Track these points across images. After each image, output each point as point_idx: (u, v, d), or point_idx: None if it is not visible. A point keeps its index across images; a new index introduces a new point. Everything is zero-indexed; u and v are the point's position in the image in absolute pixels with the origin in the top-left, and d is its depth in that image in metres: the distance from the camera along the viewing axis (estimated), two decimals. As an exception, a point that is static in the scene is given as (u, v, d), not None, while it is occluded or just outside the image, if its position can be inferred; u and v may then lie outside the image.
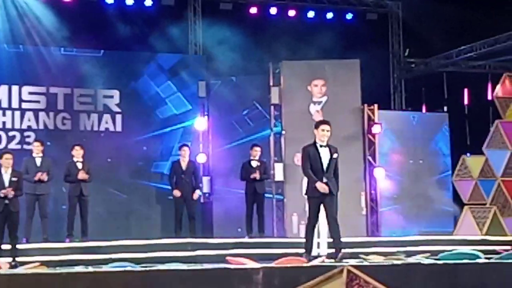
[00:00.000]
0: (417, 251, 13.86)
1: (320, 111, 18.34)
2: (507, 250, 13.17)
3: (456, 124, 21.05)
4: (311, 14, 21.49)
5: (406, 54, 23.00)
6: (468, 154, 19.19)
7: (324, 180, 11.13)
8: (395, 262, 8.62)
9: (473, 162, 18.53)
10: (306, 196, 11.50)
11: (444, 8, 20.27)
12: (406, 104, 22.57)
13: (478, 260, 9.75)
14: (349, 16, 21.86)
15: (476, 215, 17.83)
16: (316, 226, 14.18)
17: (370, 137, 18.63)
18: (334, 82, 18.35)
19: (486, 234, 17.24)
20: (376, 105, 18.79)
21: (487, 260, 9.87)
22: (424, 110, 22.07)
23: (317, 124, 11.40)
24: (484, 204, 18.11)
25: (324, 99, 18.41)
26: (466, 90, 22.61)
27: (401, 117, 20.49)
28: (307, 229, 11.48)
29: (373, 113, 18.68)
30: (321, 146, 11.22)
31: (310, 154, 11.22)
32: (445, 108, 21.92)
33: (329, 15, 21.64)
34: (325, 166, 11.18)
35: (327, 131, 11.22)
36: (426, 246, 14.72)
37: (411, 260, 10.13)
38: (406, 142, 19.87)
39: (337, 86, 18.30)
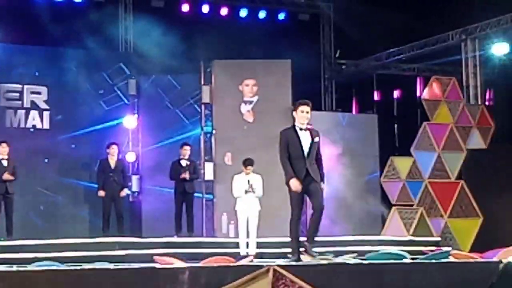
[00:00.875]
0: (345, 251, 13.96)
1: (251, 111, 18.36)
2: (432, 251, 13.35)
3: (385, 126, 21.28)
4: (243, 13, 21.47)
5: (337, 55, 23.16)
6: (397, 156, 19.43)
7: (306, 165, 10.13)
8: (321, 262, 8.65)
9: (401, 164, 18.75)
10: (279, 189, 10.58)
11: (375, 10, 20.46)
12: (337, 105, 22.72)
13: (404, 260, 9.83)
14: (281, 16, 21.92)
15: (404, 216, 18.05)
16: (246, 225, 14.27)
17: (300, 137, 18.65)
18: (265, 82, 18.38)
19: (413, 234, 17.46)
20: (306, 106, 18.82)
21: (412, 261, 9.97)
22: (354, 111, 22.26)
23: (296, 105, 10.30)
24: (412, 205, 18.34)
25: (255, 99, 18.43)
26: (395, 92, 22.89)
27: (331, 118, 20.60)
28: (292, 226, 10.57)
29: (303, 113, 18.70)
30: (301, 129, 10.18)
31: (289, 139, 10.17)
32: (375, 110, 22.15)
33: (262, 15, 21.66)
34: (306, 151, 10.17)
35: (307, 112, 10.15)
36: (354, 246, 14.83)
37: (337, 260, 10.18)
38: (336, 143, 19.97)
39: (268, 86, 18.33)
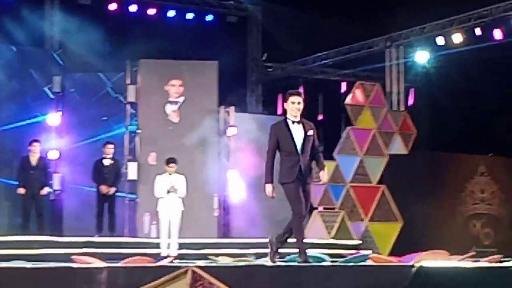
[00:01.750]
0: (267, 253, 14.04)
1: (176, 111, 18.32)
2: (352, 254, 13.54)
3: (309, 129, 21.41)
4: (171, 13, 21.44)
5: (264, 58, 23.29)
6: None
7: (300, 162, 9.26)
8: (240, 263, 8.71)
9: (325, 167, 18.91)
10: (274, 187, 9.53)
11: (303, 15, 20.66)
12: (263, 108, 22.83)
13: (323, 263, 9.96)
14: (209, 17, 21.95)
15: (325, 219, 18.25)
16: (167, 225, 14.25)
17: (225, 139, 18.74)
18: (191, 83, 18.35)
19: (334, 238, 17.67)
20: (232, 108, 18.92)
21: (330, 263, 10.11)
22: (280, 114, 22.37)
23: (286, 96, 9.53)
24: (333, 209, 18.55)
25: (181, 99, 18.39)
26: (320, 96, 23.11)
27: (257, 120, 20.62)
28: (295, 224, 9.56)
29: (229, 115, 18.80)
30: (293, 122, 9.37)
31: (279, 135, 9.36)
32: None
33: (190, 16, 21.66)
34: (299, 146, 9.32)
35: (298, 103, 9.36)
36: (275, 249, 14.88)
37: (256, 261, 10.25)
38: (261, 145, 19.96)
39: (194, 87, 18.31)
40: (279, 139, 9.39)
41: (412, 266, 7.11)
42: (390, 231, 18.64)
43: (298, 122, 9.42)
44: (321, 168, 9.75)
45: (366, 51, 21.43)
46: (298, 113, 9.41)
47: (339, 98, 22.34)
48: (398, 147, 19.52)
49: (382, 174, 19.10)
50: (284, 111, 9.64)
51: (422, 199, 18.67)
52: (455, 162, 19.60)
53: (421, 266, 6.91)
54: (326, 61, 22.26)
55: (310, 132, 9.46)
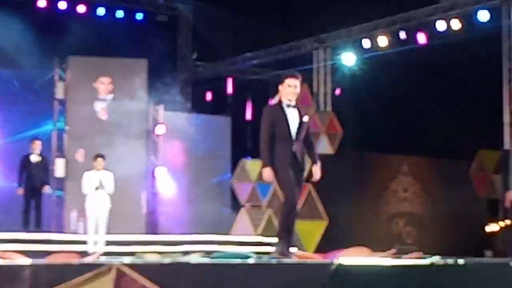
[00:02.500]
0: (194, 251, 14.18)
1: (105, 109, 18.31)
2: (277, 251, 13.72)
3: (238, 128, 21.64)
4: (101, 11, 21.38)
5: (194, 57, 23.37)
6: (248, 158, 19.79)
7: (293, 149, 8.76)
8: (166, 260, 8.83)
9: (252, 166, 19.14)
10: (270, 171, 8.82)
11: (233, 15, 20.81)
12: (192, 106, 22.91)
13: (248, 260, 10.12)
14: (139, 16, 21.94)
15: (252, 216, 18.46)
16: (95, 222, 14.27)
17: (154, 137, 18.79)
18: (120, 81, 18.36)
19: (261, 235, 17.86)
20: (161, 106, 18.98)
21: (257, 260, 10.28)
22: (208, 112, 22.50)
23: (282, 79, 8.87)
24: (260, 206, 18.76)
25: (109, 97, 18.39)
26: (249, 96, 23.29)
27: (186, 119, 20.76)
28: (284, 214, 8.98)
29: (158, 113, 18.85)
30: (288, 106, 8.75)
31: (275, 117, 8.74)
32: (229, 112, 22.48)
33: (119, 14, 21.63)
34: (293, 132, 8.77)
35: (295, 86, 8.73)
36: (203, 246, 15.08)
37: (181, 258, 10.37)
38: (189, 144, 20.16)
39: (123, 85, 18.32)
40: (274, 124, 8.74)
41: (331, 263, 7.31)
42: (315, 229, 18.93)
43: (294, 107, 8.81)
44: (315, 160, 9.33)
45: (295, 52, 21.69)
46: (295, 97, 8.78)
47: (267, 98, 22.54)
48: (325, 147, 19.81)
49: (309, 172, 19.34)
50: (278, 93, 8.92)
51: (348, 197, 19.02)
52: (379, 162, 20.03)
53: (340, 263, 7.10)
54: (255, 61, 22.45)
55: (306, 118, 8.93)
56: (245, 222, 18.39)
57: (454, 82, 21.21)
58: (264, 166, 8.86)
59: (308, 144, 9.11)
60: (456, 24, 18.74)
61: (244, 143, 22.24)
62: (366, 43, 20.26)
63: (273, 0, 21.80)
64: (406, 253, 11.85)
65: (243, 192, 19.10)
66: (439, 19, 18.94)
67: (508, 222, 16.26)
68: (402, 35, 19.51)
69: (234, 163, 20.04)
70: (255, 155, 19.59)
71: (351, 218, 19.13)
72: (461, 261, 7.52)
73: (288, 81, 8.71)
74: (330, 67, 21.45)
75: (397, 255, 11.73)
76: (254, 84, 23.23)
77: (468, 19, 18.72)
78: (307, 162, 9.33)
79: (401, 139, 21.49)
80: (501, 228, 20.10)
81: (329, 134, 19.92)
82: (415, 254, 11.23)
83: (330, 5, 21.04)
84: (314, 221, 18.98)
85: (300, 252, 13.19)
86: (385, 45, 19.92)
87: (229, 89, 23.11)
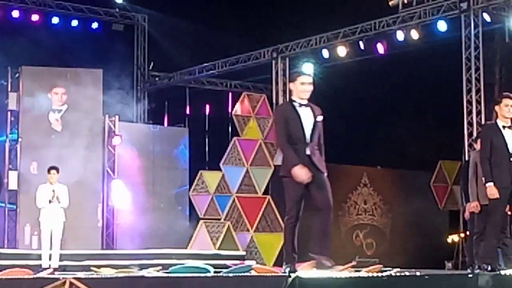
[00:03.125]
0: (151, 264, 13.90)
1: (59, 120, 17.96)
2: (236, 264, 13.51)
3: (196, 139, 21.42)
4: (55, 20, 21.04)
5: (151, 67, 23.13)
6: (207, 169, 19.58)
7: (307, 152, 8.12)
8: (120, 274, 8.56)
9: (210, 177, 18.92)
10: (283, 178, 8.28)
11: (190, 25, 20.61)
12: (148, 117, 22.65)
13: (207, 274, 9.88)
14: (94, 25, 21.64)
15: (211, 229, 18.21)
16: (49, 236, 13.88)
17: (110, 148, 18.49)
18: (75, 91, 18.04)
19: (219, 248, 17.63)
20: (117, 117, 18.70)
21: (215, 274, 10.03)
22: (165, 123, 22.25)
23: (294, 76, 8.33)
24: (219, 219, 18.53)
25: (64, 107, 18.06)
26: (207, 107, 23.09)
27: (143, 130, 20.50)
28: (287, 229, 8.57)
29: (114, 124, 18.56)
30: (300, 105, 8.16)
31: (289, 117, 8.12)
32: (186, 123, 22.24)
33: (74, 23, 21.31)
34: (308, 133, 8.13)
35: (309, 84, 8.18)
36: (160, 260, 14.80)
37: (137, 273, 10.10)
38: (146, 155, 19.89)
39: (78, 95, 18.01)
40: (287, 124, 8.12)
41: (288, 276, 7.12)
42: (275, 242, 18.71)
43: (306, 106, 8.21)
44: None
45: (253, 62, 21.53)
46: (307, 96, 8.19)
47: (225, 109, 22.38)
48: (284, 158, 19.63)
49: (267, 184, 19.20)
50: (289, 92, 8.39)
51: (307, 209, 18.82)
52: (339, 173, 19.86)
53: (296, 276, 6.92)
54: (213, 71, 22.26)
55: (320, 118, 8.28)
56: (204, 235, 18.13)
57: (414, 92, 21.20)
58: (292, 165, 8.06)
59: (319, 148, 8.40)
60: (415, 34, 18.71)
61: (203, 154, 22.01)
62: (325, 53, 20.16)
63: (232, 10, 21.64)
64: (366, 265, 11.69)
65: (202, 204, 18.85)
66: (398, 29, 18.90)
67: (468, 233, 16.21)
68: (361, 45, 19.43)
69: (192, 175, 19.77)
70: (214, 166, 19.38)
71: (310, 231, 18.93)
72: (419, 273, 7.37)
73: (302, 79, 8.18)
74: (289, 77, 21.28)
75: (357, 267, 11.57)
76: (213, 95, 23.03)
77: (427, 29, 18.70)
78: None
79: (361, 150, 21.41)
80: (461, 239, 20.07)
81: (289, 145, 19.71)
82: (375, 267, 11.08)
83: (289, 15, 20.94)
84: (274, 234, 18.80)
85: (258, 266, 12.98)
86: (344, 55, 19.83)
87: (187, 99, 22.87)
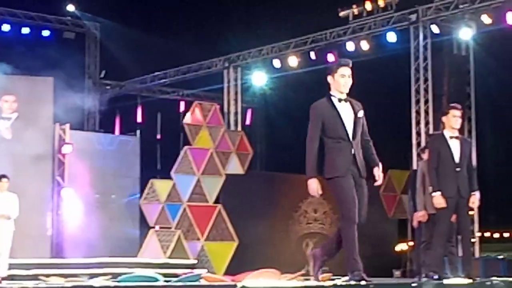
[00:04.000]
0: (100, 274, 13.85)
1: (9, 128, 17.78)
2: (186, 273, 13.53)
3: (148, 148, 21.36)
4: (6, 27, 20.88)
5: (102, 75, 23.03)
6: (158, 178, 19.52)
7: (352, 151, 7.50)
8: (69, 284, 8.55)
9: (161, 186, 18.86)
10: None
11: (142, 34, 20.60)
12: (100, 125, 22.55)
13: (156, 283, 9.90)
14: (45, 33, 21.51)
15: (161, 238, 18.15)
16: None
17: (60, 157, 18.34)
18: (25, 99, 17.87)
19: (170, 257, 17.59)
20: (68, 125, 18.56)
21: (165, 283, 10.06)
22: (117, 132, 22.17)
23: (333, 68, 7.61)
24: (170, 228, 18.48)
25: (14, 115, 17.87)
26: (159, 115, 23.06)
27: (93, 138, 20.37)
28: (345, 231, 7.75)
29: (64, 132, 18.43)
30: (339, 100, 7.56)
31: (325, 115, 7.50)
32: (138, 132, 22.18)
33: (25, 30, 21.16)
34: (350, 130, 7.51)
35: (349, 76, 7.57)
36: (110, 269, 14.73)
37: (89, 282, 10.07)
38: (97, 164, 19.74)
39: (28, 103, 17.84)
40: (324, 122, 7.48)
41: (235, 285, 7.15)
42: (225, 250, 18.75)
43: (345, 100, 7.60)
44: (375, 163, 7.84)
45: (205, 71, 21.59)
46: (347, 89, 7.60)
47: (177, 117, 22.38)
48: (235, 167, 19.71)
49: (218, 193, 19.21)
50: (328, 86, 7.69)
51: (258, 218, 18.91)
52: (289, 182, 19.96)
53: (243, 286, 6.95)
54: (165, 80, 22.26)
55: (360, 113, 7.66)
56: (154, 244, 18.05)
57: (364, 102, 21.37)
58: (309, 177, 7.53)
59: (366, 145, 7.75)
60: (365, 45, 18.94)
61: (153, 163, 21.97)
62: (277, 63, 20.29)
63: (184, 19, 21.68)
64: (316, 274, 11.77)
65: (152, 213, 18.77)
66: (348, 40, 19.12)
67: (416, 242, 16.42)
68: (312, 55, 19.60)
69: (143, 183, 19.70)
70: (165, 175, 19.35)
71: (261, 239, 19.01)
72: (364, 282, 7.43)
73: (342, 71, 7.55)
74: (240, 87, 21.40)
75: (306, 276, 11.66)
76: (164, 104, 23.02)
77: (377, 40, 18.96)
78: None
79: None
80: (409, 247, 20.29)
81: (239, 154, 19.82)
82: (324, 275, 11.19)
83: (241, 25, 21.04)
84: (224, 242, 18.81)
85: (208, 274, 13.02)
86: (295, 65, 19.98)
87: (138, 108, 22.83)
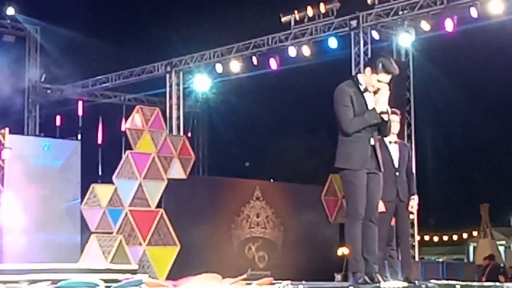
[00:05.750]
0: (41, 279, 13.66)
1: None
2: (128, 279, 13.43)
3: (89, 153, 21.19)
4: None
5: (42, 79, 22.80)
6: (99, 183, 19.37)
7: (372, 142, 7.30)
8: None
9: (103, 191, 18.70)
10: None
11: (83, 37, 20.45)
12: (40, 130, 22.31)
13: (96, 289, 9.82)
14: (-16, 36, 21.26)
15: (102, 243, 17.99)
16: None
17: None
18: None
19: (111, 262, 17.45)
20: (7, 129, 18.33)
21: (105, 289, 9.98)
22: (57, 136, 21.94)
23: (379, 67, 7.36)
24: (111, 233, 18.35)
25: None
26: (100, 119, 22.91)
27: (34, 143, 20.14)
28: (348, 226, 7.47)
29: (3, 137, 18.19)
30: (365, 90, 7.43)
31: (354, 98, 7.30)
32: (79, 136, 22.01)
33: (-37, 34, 20.88)
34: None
35: (386, 83, 7.45)
36: (50, 274, 14.53)
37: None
38: (37, 168, 19.56)
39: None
40: (353, 105, 7.21)
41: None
42: (167, 255, 18.67)
43: (369, 91, 7.40)
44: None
45: (147, 76, 21.50)
46: (372, 90, 7.35)
47: (119, 122, 22.25)
48: (177, 171, 19.65)
49: (160, 198, 19.14)
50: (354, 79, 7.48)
51: (200, 223, 18.89)
52: (232, 186, 20.01)
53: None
54: (107, 84, 22.11)
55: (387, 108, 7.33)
56: (95, 249, 17.89)
57: (307, 107, 21.56)
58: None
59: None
60: (306, 50, 19.06)
61: (94, 168, 21.81)
62: (219, 68, 20.31)
63: (125, 23, 21.59)
64: (258, 278, 11.82)
65: (93, 218, 18.60)
66: (290, 45, 19.22)
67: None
68: (255, 60, 19.66)
69: (84, 188, 19.54)
70: (108, 180, 19.21)
71: (204, 244, 19.00)
72: (303, 285, 7.48)
73: (382, 77, 7.40)
74: (182, 91, 21.36)
75: (248, 280, 11.69)
76: (106, 108, 22.88)
77: (318, 46, 19.10)
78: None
79: (254, 164, 21.63)
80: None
81: (182, 159, 19.77)
82: (266, 279, 11.23)
83: (183, 29, 21.03)
84: (166, 247, 18.72)
85: (149, 280, 12.94)
86: (237, 70, 20.02)
87: (80, 112, 22.63)
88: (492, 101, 26.30)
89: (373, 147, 7.23)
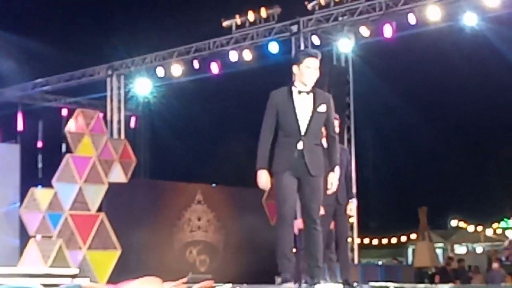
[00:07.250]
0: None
1: None
2: (66, 283, 13.36)
3: (28, 156, 20.98)
4: None
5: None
6: (39, 187, 19.20)
7: (299, 147, 7.26)
8: None
9: (42, 195, 18.56)
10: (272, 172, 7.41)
11: (22, 39, 20.27)
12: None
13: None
14: None
15: (42, 247, 17.85)
16: None
17: None
18: None
19: (51, 266, 17.32)
20: None
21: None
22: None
23: (301, 58, 7.45)
24: (51, 237, 18.21)
25: None
26: (40, 123, 22.72)
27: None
28: (278, 232, 7.47)
29: None
30: (300, 92, 7.38)
31: (279, 105, 7.37)
32: (18, 139, 21.78)
33: None
34: (303, 124, 7.32)
35: (315, 69, 7.41)
36: (-12, 279, 14.39)
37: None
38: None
39: None
40: (278, 113, 7.32)
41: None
42: (108, 259, 18.59)
43: (308, 93, 7.37)
44: (332, 163, 7.47)
45: (88, 79, 21.39)
46: (312, 82, 7.37)
47: (59, 125, 22.09)
48: (118, 175, 19.59)
49: (101, 202, 19.05)
50: (292, 77, 7.50)
51: (141, 226, 18.85)
52: (173, 190, 20.00)
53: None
54: (47, 87, 21.93)
55: (322, 108, 7.36)
56: (34, 254, 17.74)
57: (249, 111, 21.64)
58: (258, 168, 7.28)
59: (330, 144, 7.52)
60: (247, 55, 19.18)
61: (34, 171, 21.61)
62: (160, 72, 20.31)
63: (66, 26, 21.47)
64: (198, 281, 11.88)
65: (33, 222, 18.44)
66: (231, 50, 19.32)
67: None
68: (196, 64, 19.72)
69: (24, 192, 19.34)
70: (48, 184, 19.05)
71: (144, 248, 18.96)
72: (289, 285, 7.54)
73: (308, 62, 7.36)
74: (124, 95, 21.30)
75: (189, 283, 11.74)
76: (46, 111, 22.69)
77: (260, 50, 19.24)
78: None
79: (195, 167, 21.66)
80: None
81: (123, 162, 19.71)
82: (206, 283, 11.28)
83: (124, 32, 20.99)
84: (107, 251, 18.64)
85: (89, 284, 12.89)
86: (179, 74, 20.04)
87: (19, 116, 22.40)
88: (429, 106, 26.79)
89: (301, 151, 7.23)
